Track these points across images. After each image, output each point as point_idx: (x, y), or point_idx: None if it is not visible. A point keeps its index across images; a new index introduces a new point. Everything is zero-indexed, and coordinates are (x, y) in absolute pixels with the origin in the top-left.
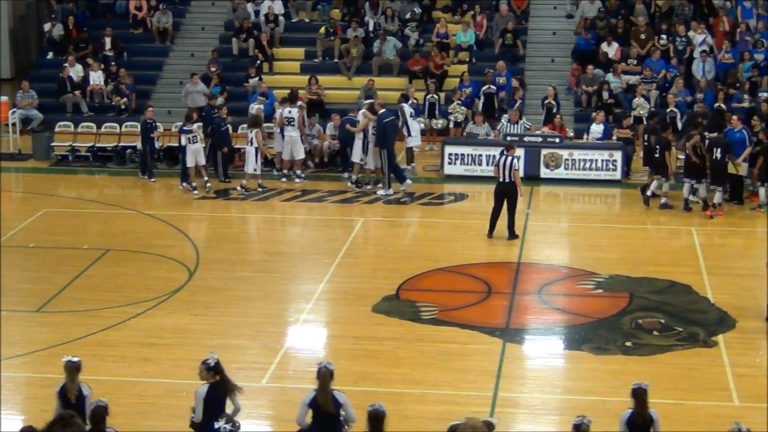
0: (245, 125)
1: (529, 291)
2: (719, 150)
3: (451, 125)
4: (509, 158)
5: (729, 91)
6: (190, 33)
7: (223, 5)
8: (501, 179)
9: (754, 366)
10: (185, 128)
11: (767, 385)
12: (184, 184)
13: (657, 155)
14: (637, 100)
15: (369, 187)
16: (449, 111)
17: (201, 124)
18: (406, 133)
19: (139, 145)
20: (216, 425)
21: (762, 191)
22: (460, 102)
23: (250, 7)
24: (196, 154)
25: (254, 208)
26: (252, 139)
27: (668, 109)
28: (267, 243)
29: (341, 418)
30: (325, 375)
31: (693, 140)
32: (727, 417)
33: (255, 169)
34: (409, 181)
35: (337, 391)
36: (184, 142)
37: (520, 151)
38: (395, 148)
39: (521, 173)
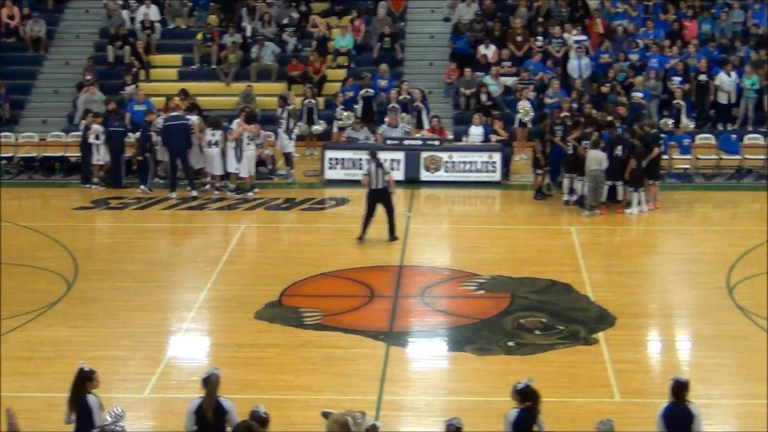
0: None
1: (411, 294)
2: (620, 148)
3: (335, 129)
4: (378, 163)
5: (603, 90)
6: (65, 41)
7: (97, 12)
8: (374, 186)
9: (633, 362)
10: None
11: (647, 380)
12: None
13: (570, 153)
14: (522, 104)
15: (250, 194)
16: (336, 116)
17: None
18: (286, 137)
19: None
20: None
21: (634, 196)
22: (343, 106)
23: (125, 13)
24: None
25: (134, 217)
26: (217, 141)
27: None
28: (147, 252)
29: (226, 425)
30: (214, 382)
31: (575, 134)
32: (608, 413)
33: (237, 169)
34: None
35: (223, 398)
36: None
37: (400, 155)
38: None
39: (402, 176)
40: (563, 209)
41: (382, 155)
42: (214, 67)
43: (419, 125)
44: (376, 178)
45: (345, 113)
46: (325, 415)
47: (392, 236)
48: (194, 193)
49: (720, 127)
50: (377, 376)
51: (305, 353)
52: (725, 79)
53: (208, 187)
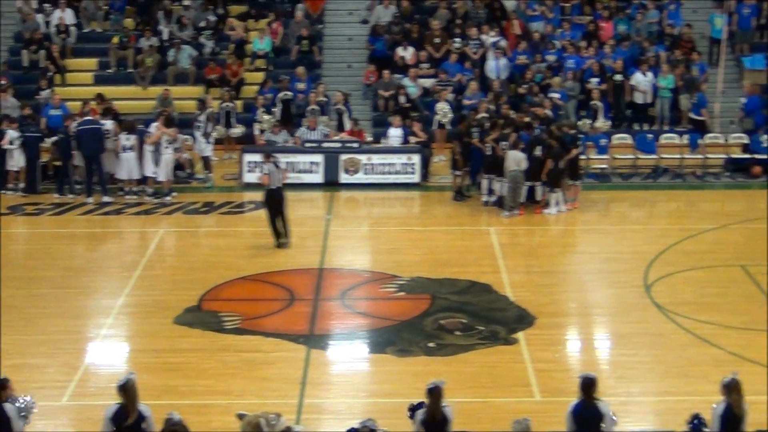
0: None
1: (331, 296)
2: (539, 148)
3: (257, 132)
4: (273, 164)
5: (519, 91)
6: None
7: (11, 16)
8: (272, 186)
9: (553, 361)
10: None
11: (566, 379)
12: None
13: (489, 154)
14: (441, 105)
15: (168, 198)
16: (257, 119)
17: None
18: (204, 141)
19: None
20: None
21: (552, 197)
22: (264, 109)
23: (40, 17)
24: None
25: (50, 223)
26: (132, 145)
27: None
28: (64, 258)
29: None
30: (132, 388)
31: (493, 135)
32: (528, 412)
33: (155, 173)
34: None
35: (141, 405)
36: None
37: (319, 157)
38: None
39: (321, 179)
40: (482, 210)
41: (301, 157)
42: (130, 70)
43: (341, 128)
44: (274, 178)
45: (266, 116)
46: (241, 417)
47: (285, 239)
48: (106, 199)
49: (636, 126)
50: (298, 380)
51: (225, 357)
52: (641, 79)
53: (125, 191)
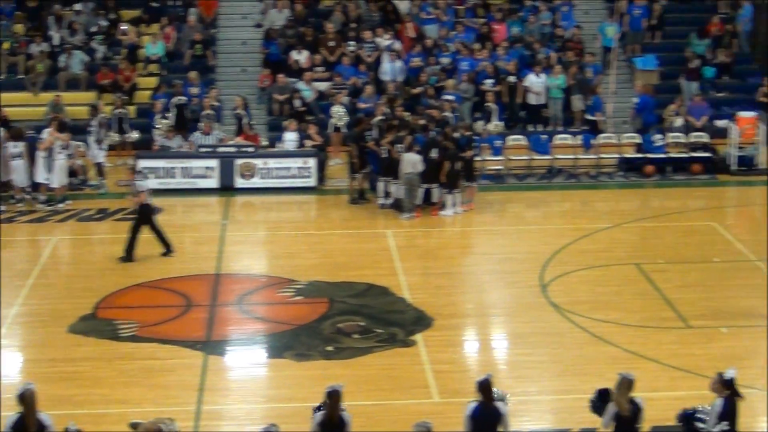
0: None
1: (229, 302)
2: (435, 150)
3: (156, 137)
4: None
5: (414, 93)
6: None
7: None
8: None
9: (451, 362)
10: None
11: (465, 380)
12: None
13: (385, 156)
14: (336, 109)
15: (61, 205)
16: (155, 124)
17: None
18: (97, 147)
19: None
20: None
21: (448, 198)
22: (161, 115)
23: None
24: None
25: None
26: (20, 152)
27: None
28: None
29: None
30: (30, 397)
31: (389, 138)
32: (427, 414)
33: (47, 179)
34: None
35: (42, 414)
36: None
37: (214, 162)
38: None
39: (216, 184)
40: (379, 213)
41: (196, 162)
42: (21, 76)
43: (240, 133)
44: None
45: (164, 121)
46: (134, 426)
47: (129, 256)
48: None
49: (530, 128)
50: (196, 386)
51: (122, 366)
52: (534, 81)
53: (16, 199)
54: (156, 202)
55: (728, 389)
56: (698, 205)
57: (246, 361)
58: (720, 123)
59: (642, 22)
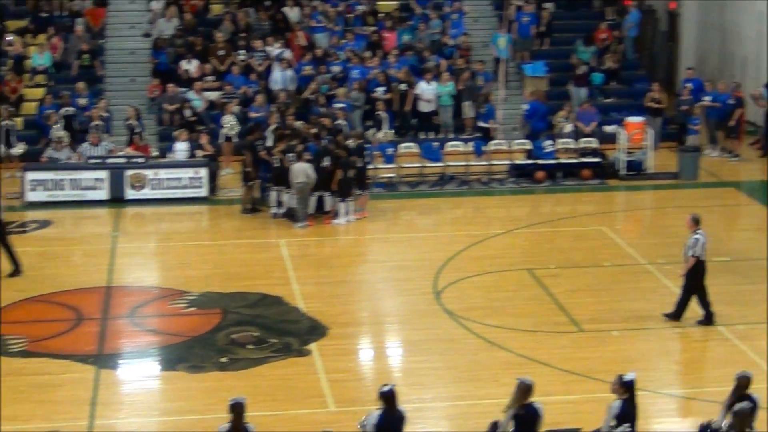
0: None
1: (120, 315)
2: (327, 159)
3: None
4: None
5: (305, 101)
6: None
7: None
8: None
9: (347, 371)
10: None
11: (360, 388)
12: None
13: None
14: (227, 118)
15: None
16: (51, 136)
17: None
18: None
19: None
20: None
21: (342, 206)
22: (57, 126)
23: None
24: None
25: None
26: None
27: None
28: None
29: None
30: None
31: (280, 147)
32: (324, 423)
33: None
34: None
35: None
36: None
37: (103, 174)
38: None
39: (106, 196)
40: (272, 222)
41: (85, 174)
42: None
43: (131, 143)
44: None
45: (61, 132)
46: None
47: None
48: None
49: (422, 135)
50: (88, 401)
51: (11, 382)
52: (425, 88)
53: None
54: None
55: (627, 391)
56: (588, 210)
57: (139, 374)
58: (609, 128)
59: (531, 29)
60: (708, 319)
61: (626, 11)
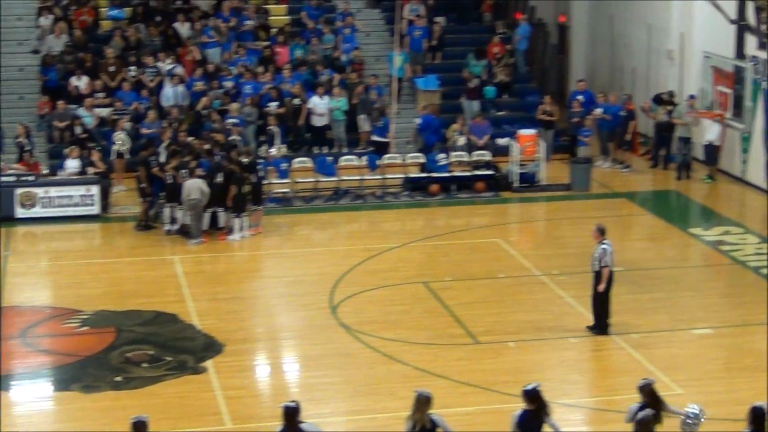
0: None
1: (12, 335)
2: (220, 175)
3: None
4: None
5: (197, 117)
6: None
7: None
8: None
9: (243, 387)
10: None
11: (257, 405)
12: None
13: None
14: (118, 135)
15: None
16: None
17: None
18: None
19: None
20: None
21: (236, 222)
22: None
23: None
24: None
25: None
26: None
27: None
28: None
29: None
30: None
31: (173, 163)
32: None
33: None
34: None
35: None
36: None
37: None
38: None
39: None
40: (166, 239)
41: None
42: None
43: (20, 161)
44: None
45: None
46: None
47: None
48: None
49: (316, 150)
50: None
51: None
52: (318, 102)
53: None
54: None
55: (532, 402)
56: (482, 222)
57: (32, 395)
58: (501, 141)
59: (422, 42)
60: (600, 328)
61: (516, 24)
